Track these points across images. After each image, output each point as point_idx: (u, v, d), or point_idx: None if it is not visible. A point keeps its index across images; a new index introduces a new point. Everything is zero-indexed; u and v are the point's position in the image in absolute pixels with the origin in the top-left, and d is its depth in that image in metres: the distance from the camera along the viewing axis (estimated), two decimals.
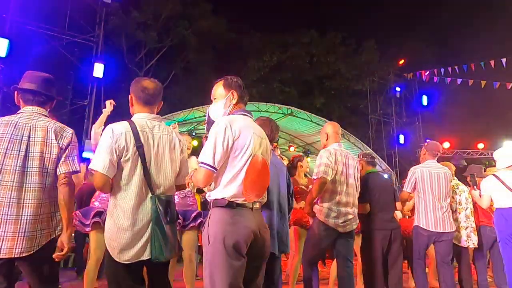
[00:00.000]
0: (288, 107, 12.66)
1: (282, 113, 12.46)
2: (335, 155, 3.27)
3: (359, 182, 3.46)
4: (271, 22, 25.08)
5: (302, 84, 22.34)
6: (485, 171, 4.68)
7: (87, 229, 3.08)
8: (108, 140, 1.96)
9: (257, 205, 1.96)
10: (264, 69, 22.11)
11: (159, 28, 18.13)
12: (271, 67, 22.17)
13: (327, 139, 3.46)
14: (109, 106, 3.26)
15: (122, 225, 1.95)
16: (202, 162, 1.86)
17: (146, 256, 1.95)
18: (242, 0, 23.98)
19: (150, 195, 1.99)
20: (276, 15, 26.38)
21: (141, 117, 2.12)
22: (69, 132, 2.15)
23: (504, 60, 11.55)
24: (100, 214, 3.06)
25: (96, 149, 2.01)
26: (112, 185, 2.01)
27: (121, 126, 2.01)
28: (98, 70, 9.64)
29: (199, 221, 3.40)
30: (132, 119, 2.12)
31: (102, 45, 10.65)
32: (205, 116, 2.54)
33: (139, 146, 1.98)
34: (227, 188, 1.88)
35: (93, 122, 3.37)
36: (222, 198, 1.87)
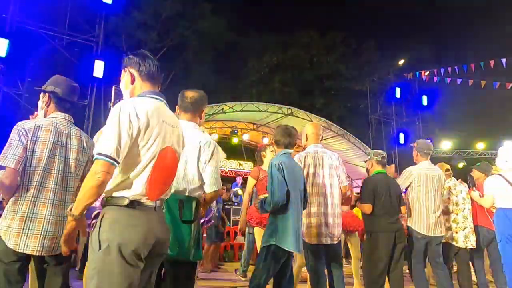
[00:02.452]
0: (288, 107, 12.64)
1: (282, 113, 12.44)
2: (304, 158, 3.25)
3: (339, 179, 3.36)
4: (271, 22, 25.17)
5: (302, 84, 22.36)
6: None
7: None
8: None
9: (159, 203, 1.69)
10: (264, 69, 22.16)
11: (159, 28, 18.14)
12: (271, 67, 22.22)
13: (307, 139, 3.46)
14: None
15: None
16: (100, 153, 1.51)
17: None
18: (242, 0, 24.00)
19: None
20: (276, 15, 26.43)
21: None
22: (91, 142, 2.36)
23: (504, 60, 11.56)
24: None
25: None
26: None
27: None
28: (98, 69, 9.61)
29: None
30: None
31: (102, 45, 10.63)
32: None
33: None
34: (129, 185, 1.59)
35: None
36: (122, 197, 1.58)
